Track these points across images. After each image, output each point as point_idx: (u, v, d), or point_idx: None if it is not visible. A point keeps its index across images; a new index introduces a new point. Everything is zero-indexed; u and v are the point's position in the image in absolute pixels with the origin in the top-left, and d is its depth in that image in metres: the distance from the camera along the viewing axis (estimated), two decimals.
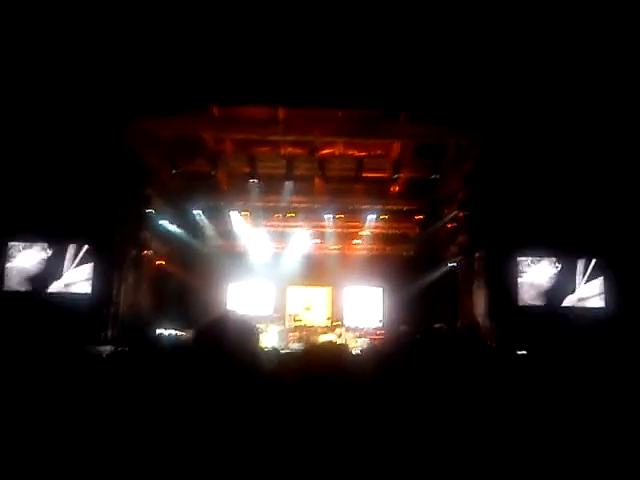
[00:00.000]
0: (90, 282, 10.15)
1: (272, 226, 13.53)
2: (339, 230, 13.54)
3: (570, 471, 1.99)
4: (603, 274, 10.79)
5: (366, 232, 13.56)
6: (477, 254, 10.82)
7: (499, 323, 9.44)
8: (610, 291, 10.67)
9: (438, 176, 11.15)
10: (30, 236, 10.10)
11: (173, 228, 12.14)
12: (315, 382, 1.80)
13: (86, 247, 10.24)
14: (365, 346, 9.76)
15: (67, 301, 9.91)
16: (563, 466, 2.00)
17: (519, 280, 10.82)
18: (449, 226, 12.33)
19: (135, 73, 8.24)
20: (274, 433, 1.65)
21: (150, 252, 11.46)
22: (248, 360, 1.80)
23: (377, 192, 12.30)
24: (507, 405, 2.15)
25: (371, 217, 12.87)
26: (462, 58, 8.13)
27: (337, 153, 10.88)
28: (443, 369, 2.22)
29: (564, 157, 9.71)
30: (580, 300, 10.87)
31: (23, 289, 10.07)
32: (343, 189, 12.04)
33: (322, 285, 14.40)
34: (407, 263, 13.90)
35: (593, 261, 10.83)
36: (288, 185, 11.46)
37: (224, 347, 1.77)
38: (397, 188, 12.30)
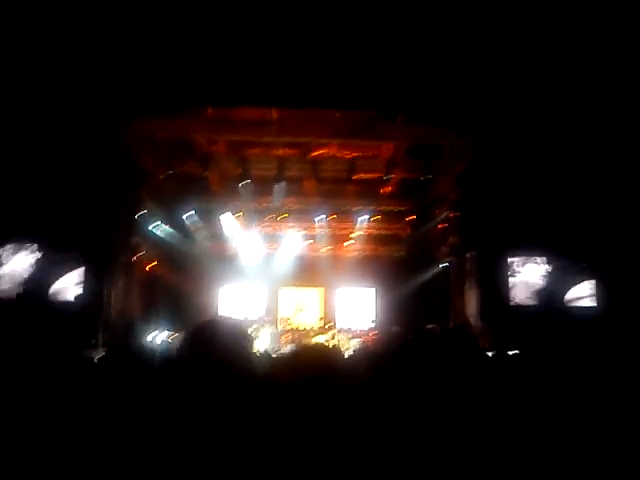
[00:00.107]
0: (82, 286, 10.10)
1: (264, 227, 13.50)
2: (331, 231, 13.55)
3: (562, 472, 2.00)
4: (594, 274, 10.86)
5: (358, 233, 13.57)
6: (468, 254, 10.87)
7: (491, 323, 9.50)
8: (601, 291, 10.74)
9: (430, 177, 11.20)
10: (22, 240, 10.03)
11: (165, 231, 12.09)
12: (306, 384, 1.80)
13: (78, 251, 10.18)
14: (358, 347, 9.76)
15: (58, 305, 9.86)
16: (556, 466, 2.01)
17: (510, 280, 10.89)
18: (440, 227, 12.36)
19: (135, 74, 8.25)
20: (266, 437, 1.65)
21: (142, 255, 11.40)
22: (242, 365, 1.80)
23: (369, 193, 12.35)
24: (500, 405, 2.16)
25: (363, 218, 12.88)
26: (458, 59, 8.18)
27: (330, 154, 10.90)
28: (435, 370, 2.23)
29: (555, 158, 9.79)
30: (571, 300, 10.94)
31: (14, 294, 10.00)
32: (335, 190, 12.06)
33: (314, 286, 14.39)
34: (399, 264, 13.90)
35: (584, 261, 10.91)
36: (280, 186, 11.47)
37: (215, 352, 1.76)
38: (389, 189, 12.34)
